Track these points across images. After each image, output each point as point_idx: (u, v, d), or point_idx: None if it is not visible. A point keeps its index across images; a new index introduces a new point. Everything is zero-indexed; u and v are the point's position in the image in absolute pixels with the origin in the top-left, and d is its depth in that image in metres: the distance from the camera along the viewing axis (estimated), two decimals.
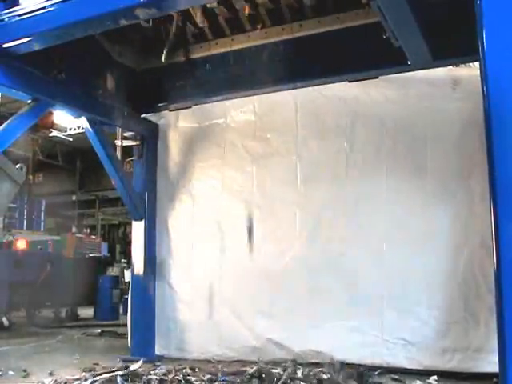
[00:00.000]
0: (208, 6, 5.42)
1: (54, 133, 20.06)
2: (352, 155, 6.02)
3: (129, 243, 13.80)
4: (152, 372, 5.13)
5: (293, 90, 6.16)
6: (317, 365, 5.44)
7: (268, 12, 5.57)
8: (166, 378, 4.91)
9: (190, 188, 6.91)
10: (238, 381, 4.81)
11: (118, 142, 6.92)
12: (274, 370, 5.00)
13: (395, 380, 5.08)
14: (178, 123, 7.03)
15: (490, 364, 4.87)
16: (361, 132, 6.03)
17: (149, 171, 6.94)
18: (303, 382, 4.73)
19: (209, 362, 6.10)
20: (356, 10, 5.23)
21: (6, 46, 4.63)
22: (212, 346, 6.38)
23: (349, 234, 5.92)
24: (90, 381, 4.75)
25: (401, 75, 5.63)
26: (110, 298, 11.98)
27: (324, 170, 6.17)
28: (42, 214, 22.31)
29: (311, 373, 4.94)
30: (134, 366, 5.16)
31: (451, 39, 4.65)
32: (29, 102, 5.47)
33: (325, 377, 4.78)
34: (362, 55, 5.25)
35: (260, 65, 5.81)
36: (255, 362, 5.46)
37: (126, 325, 7.19)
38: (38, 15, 4.37)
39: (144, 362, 5.47)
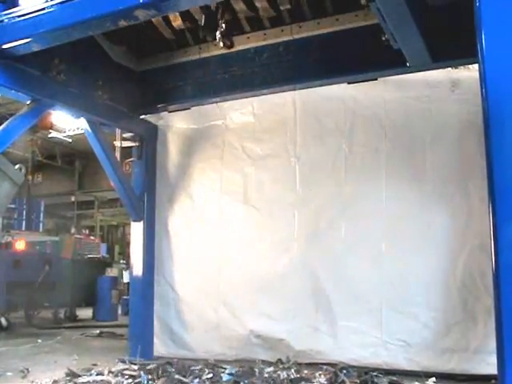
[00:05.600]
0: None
1: (53, 134, 20.06)
2: (351, 156, 6.03)
3: (128, 244, 13.79)
4: None
5: (292, 92, 6.16)
6: (317, 365, 5.46)
7: (267, 13, 5.57)
8: None
9: (189, 189, 6.91)
10: None
11: (117, 143, 6.91)
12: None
13: (394, 382, 5.07)
14: (176, 124, 7.03)
15: (489, 365, 4.87)
16: (360, 133, 6.03)
17: (148, 172, 6.93)
18: None
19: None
20: (355, 12, 5.23)
21: (5, 46, 4.63)
22: (213, 345, 6.38)
23: (348, 235, 5.92)
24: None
25: (400, 77, 5.64)
26: (109, 299, 11.97)
27: (323, 172, 6.17)
28: (41, 214, 22.29)
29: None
30: None
31: (450, 41, 4.66)
32: (28, 102, 5.46)
33: None
34: (361, 57, 5.26)
35: (259, 66, 5.82)
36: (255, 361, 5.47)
37: (124, 325, 7.17)
38: (37, 16, 4.36)
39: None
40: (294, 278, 6.10)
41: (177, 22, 5.64)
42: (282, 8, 5.37)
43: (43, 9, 4.33)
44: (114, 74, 6.33)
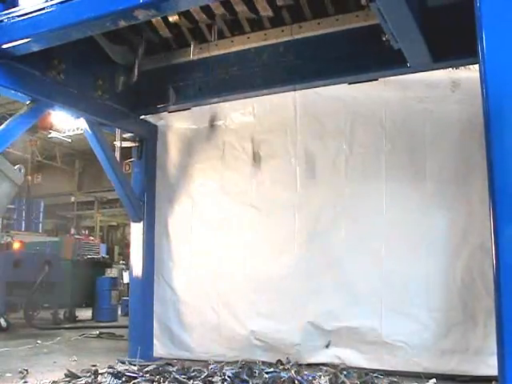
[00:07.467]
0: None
1: (53, 134, 20.09)
2: (351, 157, 6.01)
3: (127, 245, 13.80)
4: None
5: (292, 92, 6.15)
6: (317, 366, 5.45)
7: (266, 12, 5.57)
8: None
9: (190, 189, 6.89)
10: None
11: (116, 144, 6.91)
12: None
13: (394, 383, 5.06)
14: (177, 124, 7.02)
15: (489, 367, 4.85)
16: (360, 134, 6.02)
17: (148, 172, 6.92)
18: None
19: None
20: (356, 12, 5.23)
21: (4, 46, 4.62)
22: (213, 346, 6.37)
23: (348, 236, 5.91)
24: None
25: (400, 77, 5.63)
26: (109, 300, 11.98)
27: (323, 172, 6.16)
28: (41, 215, 22.31)
29: None
30: None
31: (451, 41, 4.65)
32: (27, 102, 5.45)
33: None
34: (362, 57, 5.25)
35: (259, 66, 5.82)
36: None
37: (124, 326, 7.15)
38: (37, 16, 4.36)
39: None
40: (294, 278, 6.09)
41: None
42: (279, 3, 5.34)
43: (43, 9, 4.33)
44: (113, 74, 6.32)
